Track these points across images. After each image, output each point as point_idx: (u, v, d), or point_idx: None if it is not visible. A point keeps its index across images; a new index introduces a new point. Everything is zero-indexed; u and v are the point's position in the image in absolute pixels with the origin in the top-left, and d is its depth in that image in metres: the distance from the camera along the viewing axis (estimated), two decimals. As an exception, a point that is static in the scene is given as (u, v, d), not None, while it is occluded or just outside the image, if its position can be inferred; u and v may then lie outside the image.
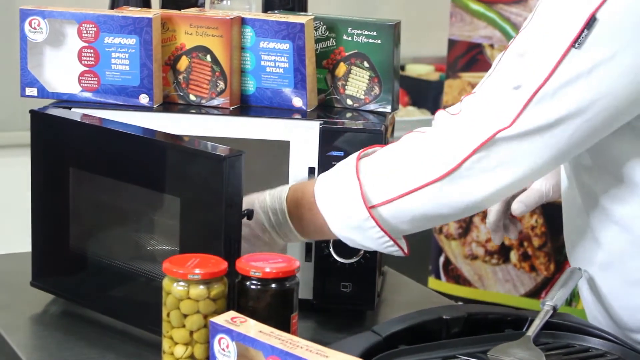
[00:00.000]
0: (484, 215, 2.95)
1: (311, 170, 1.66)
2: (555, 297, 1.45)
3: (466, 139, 1.40)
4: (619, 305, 1.49)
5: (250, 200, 1.56)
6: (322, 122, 1.67)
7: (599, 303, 1.53)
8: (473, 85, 2.78)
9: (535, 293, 2.90)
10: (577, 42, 1.34)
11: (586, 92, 1.35)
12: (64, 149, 1.64)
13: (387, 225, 1.47)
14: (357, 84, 1.77)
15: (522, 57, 1.40)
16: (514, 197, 1.68)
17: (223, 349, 1.29)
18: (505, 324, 1.45)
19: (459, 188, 1.42)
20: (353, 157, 1.50)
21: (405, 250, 1.52)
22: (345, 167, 1.50)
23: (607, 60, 1.34)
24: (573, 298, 2.81)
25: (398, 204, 1.45)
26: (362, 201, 1.46)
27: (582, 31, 1.33)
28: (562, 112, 1.36)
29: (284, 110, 1.73)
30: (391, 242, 1.49)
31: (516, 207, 1.66)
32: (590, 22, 1.33)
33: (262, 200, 1.57)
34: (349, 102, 1.78)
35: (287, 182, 1.67)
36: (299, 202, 1.54)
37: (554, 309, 1.44)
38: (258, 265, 1.38)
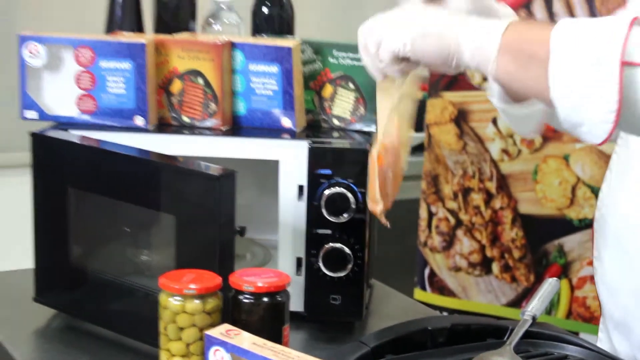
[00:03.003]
0: (467, 228, 2.97)
1: (300, 189, 1.67)
2: (535, 307, 1.46)
3: None
4: None
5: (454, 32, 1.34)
6: (310, 141, 1.68)
7: None
8: (454, 104, 2.81)
9: (516, 302, 2.91)
10: None
11: None
12: (63, 170, 1.65)
13: (627, 93, 1.21)
14: (343, 104, 1.78)
15: None
16: None
17: (218, 360, 1.30)
18: (487, 333, 1.46)
19: None
20: (628, 16, 1.24)
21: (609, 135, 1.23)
22: (613, 18, 1.25)
23: None
24: (552, 307, 2.83)
25: None
26: (620, 51, 1.20)
27: None
28: None
29: (273, 131, 1.75)
30: (614, 115, 1.21)
31: None
32: None
33: (466, 34, 1.34)
34: (336, 122, 1.80)
35: (277, 200, 1.68)
36: (523, 30, 1.30)
37: (534, 318, 1.45)
38: (251, 280, 1.39)
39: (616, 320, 1.55)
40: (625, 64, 1.20)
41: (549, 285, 1.52)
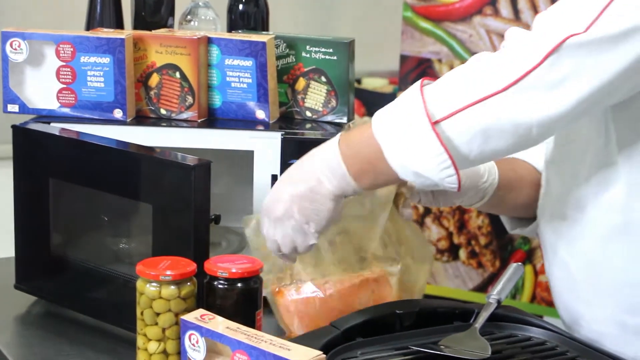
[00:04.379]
0: (435, 216, 2.96)
1: (274, 178, 1.66)
2: (499, 291, 1.45)
3: (537, 46, 1.24)
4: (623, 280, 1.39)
5: (298, 160, 1.42)
6: (283, 132, 1.67)
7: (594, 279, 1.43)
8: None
9: (483, 287, 2.91)
10: None
11: None
12: (44, 161, 1.63)
13: (449, 144, 1.27)
14: (315, 97, 1.78)
15: None
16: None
17: (193, 344, 1.28)
18: (454, 316, 1.45)
19: (526, 99, 1.25)
20: (416, 83, 1.33)
21: (460, 182, 1.31)
22: (407, 92, 1.32)
23: None
24: (517, 291, 2.82)
25: (462, 117, 1.27)
26: (425, 116, 1.27)
27: None
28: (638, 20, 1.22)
29: (248, 122, 1.73)
30: (449, 163, 1.28)
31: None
32: None
33: (310, 155, 1.41)
34: (308, 114, 1.78)
35: (251, 189, 1.67)
36: (352, 139, 1.36)
37: (499, 301, 1.44)
38: (225, 266, 1.38)
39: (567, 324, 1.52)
40: (436, 123, 1.27)
41: (513, 269, 1.51)
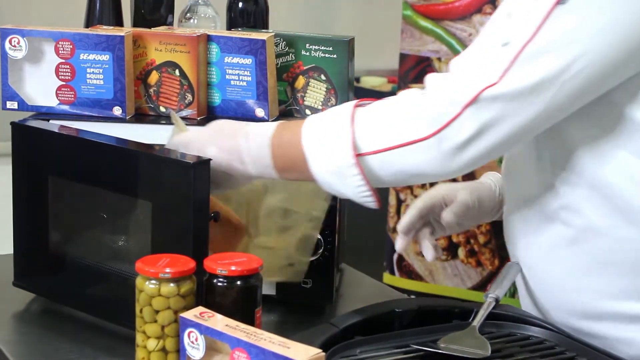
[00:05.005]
0: (433, 215, 2.96)
1: (273, 176, 1.65)
2: (497, 290, 1.45)
3: (454, 99, 1.31)
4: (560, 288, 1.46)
5: (233, 129, 1.49)
6: (282, 131, 1.66)
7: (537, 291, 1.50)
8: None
9: (481, 286, 2.91)
10: None
11: (572, 49, 1.29)
12: (43, 158, 1.63)
13: (370, 175, 1.37)
14: (314, 95, 1.77)
15: (510, 16, 1.33)
16: (433, 204, 1.63)
17: (192, 342, 1.28)
18: (453, 315, 1.45)
19: (445, 149, 1.33)
20: (350, 104, 1.40)
21: (379, 201, 1.41)
22: (340, 112, 1.40)
23: (591, 17, 1.28)
24: (515, 290, 2.82)
25: (385, 156, 1.36)
26: (351, 147, 1.36)
27: None
28: (549, 68, 1.29)
29: (247, 120, 1.72)
30: (369, 192, 1.39)
31: (446, 216, 1.60)
32: None
33: (245, 132, 1.47)
34: (308, 112, 1.78)
35: (250, 186, 1.67)
36: (284, 138, 1.44)
37: (497, 300, 1.44)
38: (224, 264, 1.38)
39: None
40: (359, 156, 1.36)
41: (511, 268, 1.51)
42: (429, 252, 1.62)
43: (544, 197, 1.44)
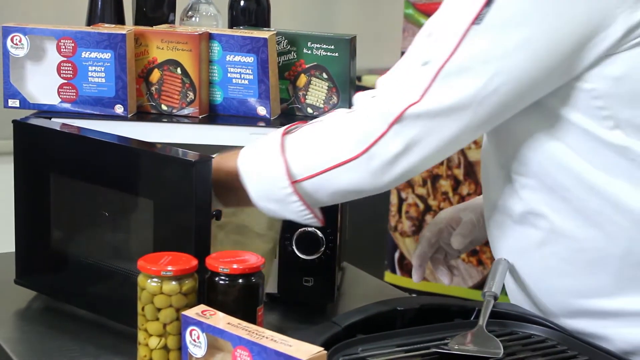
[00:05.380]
0: (435, 213, 2.96)
1: (275, 174, 1.65)
2: (494, 287, 1.45)
3: (380, 117, 1.37)
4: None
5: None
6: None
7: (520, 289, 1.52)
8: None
9: (483, 285, 2.90)
10: (477, 19, 1.32)
11: (488, 67, 1.32)
12: (44, 156, 1.63)
13: (308, 198, 1.44)
14: (316, 93, 1.77)
15: (430, 36, 1.38)
16: (440, 230, 1.67)
17: (194, 340, 1.28)
18: (455, 313, 1.45)
19: (375, 166, 1.39)
20: (278, 132, 1.46)
21: (322, 220, 1.49)
22: (270, 142, 1.46)
23: (506, 36, 1.32)
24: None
25: (320, 179, 1.42)
26: (286, 177, 1.42)
27: (482, 9, 1.32)
28: (468, 86, 1.33)
29: (249, 119, 1.73)
30: (311, 215, 1.46)
31: (455, 240, 1.64)
32: (490, 0, 1.32)
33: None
34: (309, 110, 1.78)
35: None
36: (223, 171, 1.49)
37: (495, 298, 1.44)
38: (226, 262, 1.38)
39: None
40: (295, 183, 1.42)
41: (499, 264, 1.50)
42: (445, 277, 1.69)
43: (510, 203, 1.47)
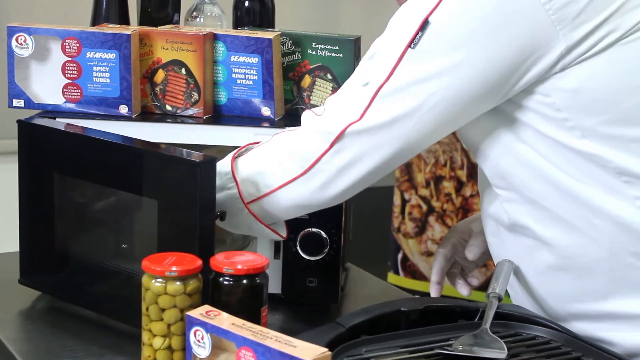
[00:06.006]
0: (438, 215, 2.96)
1: (279, 175, 1.65)
2: (498, 288, 1.45)
3: (322, 135, 1.45)
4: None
5: None
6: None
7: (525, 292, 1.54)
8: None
9: (486, 286, 2.90)
10: (412, 43, 1.37)
11: (423, 88, 1.38)
12: (49, 156, 1.63)
13: (264, 217, 1.53)
14: (321, 94, 1.77)
15: (371, 58, 1.43)
16: (454, 244, 1.69)
17: (198, 340, 1.28)
18: (459, 315, 1.45)
19: (320, 183, 1.47)
20: (228, 157, 1.53)
21: (284, 235, 1.58)
22: (222, 167, 1.52)
23: (440, 58, 1.37)
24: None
25: (270, 198, 1.50)
26: (240, 199, 1.51)
27: (417, 33, 1.37)
28: (405, 105, 1.39)
29: (253, 119, 1.73)
30: (270, 231, 1.55)
31: (470, 252, 1.67)
32: (424, 25, 1.36)
33: None
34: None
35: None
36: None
37: (499, 299, 1.44)
38: (230, 262, 1.37)
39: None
40: (250, 203, 1.52)
41: (503, 265, 1.50)
42: (463, 289, 1.71)
43: (498, 214, 1.50)
